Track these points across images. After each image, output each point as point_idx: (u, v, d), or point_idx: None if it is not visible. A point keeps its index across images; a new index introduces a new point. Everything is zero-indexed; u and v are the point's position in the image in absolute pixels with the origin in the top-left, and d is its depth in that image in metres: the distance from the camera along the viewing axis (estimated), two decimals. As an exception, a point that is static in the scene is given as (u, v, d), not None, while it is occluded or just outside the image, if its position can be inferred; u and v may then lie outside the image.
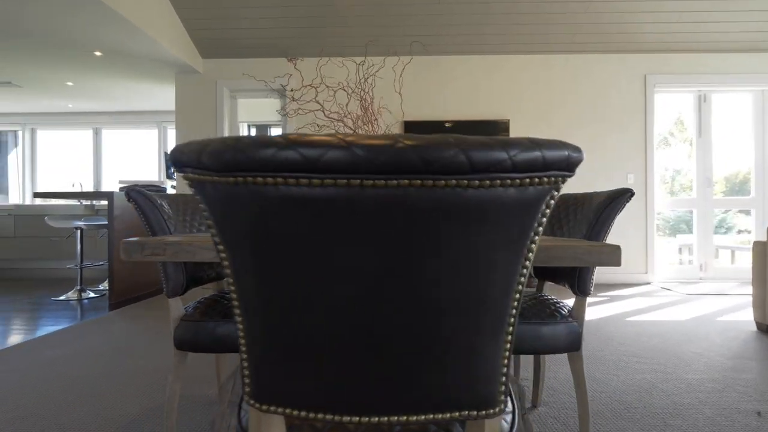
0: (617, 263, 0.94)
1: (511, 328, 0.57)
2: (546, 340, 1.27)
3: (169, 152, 0.63)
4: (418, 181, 0.42)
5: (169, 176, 5.31)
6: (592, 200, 1.49)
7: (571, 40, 4.53)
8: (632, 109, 4.71)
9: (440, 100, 4.78)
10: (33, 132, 6.79)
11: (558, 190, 0.49)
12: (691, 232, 4.99)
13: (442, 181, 0.42)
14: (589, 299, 3.81)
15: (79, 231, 4.05)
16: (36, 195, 3.79)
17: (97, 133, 6.70)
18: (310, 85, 2.04)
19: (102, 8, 3.32)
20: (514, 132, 4.70)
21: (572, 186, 4.68)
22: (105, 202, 4.70)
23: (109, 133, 6.74)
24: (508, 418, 0.73)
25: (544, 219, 0.51)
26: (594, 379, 1.99)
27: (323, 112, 2.13)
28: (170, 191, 5.10)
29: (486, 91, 4.76)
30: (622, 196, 1.34)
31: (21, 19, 3.51)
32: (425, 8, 4.20)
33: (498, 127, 4.67)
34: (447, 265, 0.47)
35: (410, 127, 4.70)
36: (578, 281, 1.35)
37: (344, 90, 2.22)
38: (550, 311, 1.36)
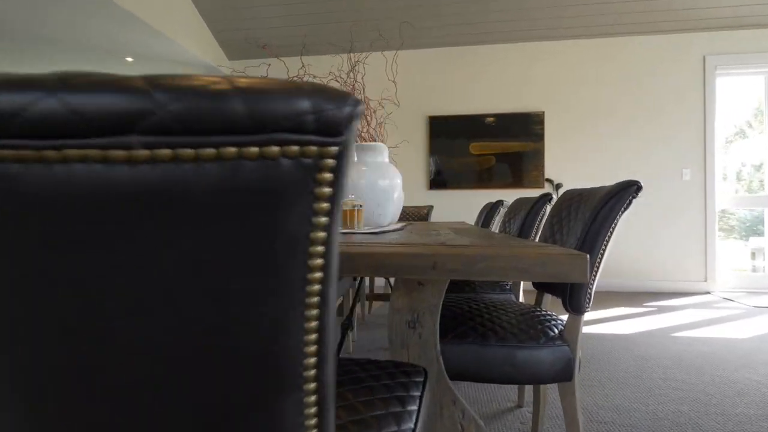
0: (580, 277, 0.70)
1: (312, 385, 0.37)
2: (521, 368, 1.03)
3: None
4: (19, 152, 0.24)
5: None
6: (595, 196, 1.22)
7: (615, 21, 4.08)
8: (689, 94, 4.17)
9: (460, 93, 4.49)
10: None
11: (325, 168, 0.29)
12: None
13: (68, 151, 0.24)
14: (631, 309, 3.39)
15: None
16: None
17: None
18: (296, 77, 1.90)
19: (122, 12, 3.39)
20: (550, 126, 4.31)
21: (610, 183, 4.22)
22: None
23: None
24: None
25: (322, 219, 0.31)
26: (615, 408, 1.68)
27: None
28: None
29: (517, 83, 4.41)
30: (626, 190, 1.07)
31: (49, 25, 3.67)
32: (449, -5, 3.95)
33: (530, 120, 4.31)
34: (132, 296, 0.29)
35: (437, 123, 4.46)
36: (570, 295, 1.10)
37: (336, 81, 2.06)
38: (534, 331, 1.11)
